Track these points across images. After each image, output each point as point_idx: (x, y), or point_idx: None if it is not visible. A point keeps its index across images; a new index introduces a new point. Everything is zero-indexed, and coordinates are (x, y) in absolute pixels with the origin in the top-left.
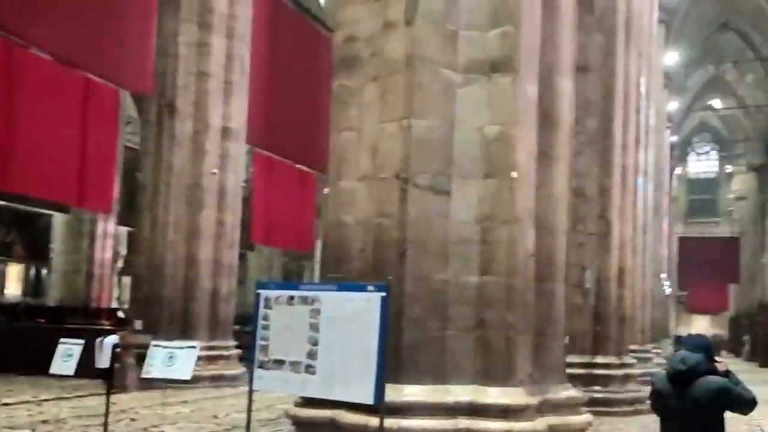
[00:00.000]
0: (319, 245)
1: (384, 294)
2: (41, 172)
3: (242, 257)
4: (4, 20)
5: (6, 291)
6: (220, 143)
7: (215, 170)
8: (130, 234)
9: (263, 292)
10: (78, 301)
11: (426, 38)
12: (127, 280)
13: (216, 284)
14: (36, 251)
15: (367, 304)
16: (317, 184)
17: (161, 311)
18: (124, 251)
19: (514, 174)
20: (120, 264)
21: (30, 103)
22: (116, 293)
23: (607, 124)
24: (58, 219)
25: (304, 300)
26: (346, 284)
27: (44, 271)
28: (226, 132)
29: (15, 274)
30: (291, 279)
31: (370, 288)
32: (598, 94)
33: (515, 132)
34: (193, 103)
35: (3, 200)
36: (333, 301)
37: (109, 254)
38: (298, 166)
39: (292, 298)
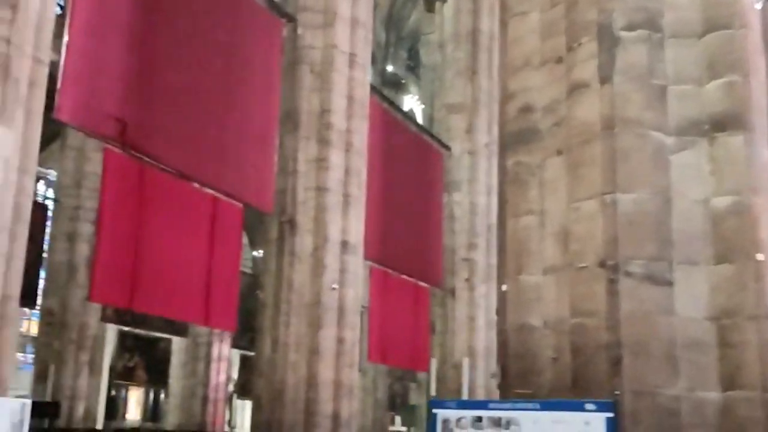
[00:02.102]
0: (434, 364)
1: (610, 414)
2: (169, 293)
3: None
4: (136, 142)
5: (127, 416)
6: (340, 257)
7: (335, 285)
8: (243, 357)
9: (440, 412)
10: (193, 425)
11: (627, 97)
12: (238, 403)
13: (337, 407)
14: (156, 375)
15: (586, 428)
16: (431, 299)
17: None
18: (235, 374)
19: (760, 256)
20: (231, 387)
21: (159, 223)
22: (228, 417)
23: None
24: (177, 343)
25: (496, 422)
26: (554, 402)
27: (162, 396)
28: (344, 246)
29: (135, 398)
30: (397, 402)
31: (589, 407)
32: None
33: (755, 203)
34: (312, 218)
35: (127, 326)
36: (537, 424)
37: (223, 377)
38: (412, 280)
39: (479, 419)
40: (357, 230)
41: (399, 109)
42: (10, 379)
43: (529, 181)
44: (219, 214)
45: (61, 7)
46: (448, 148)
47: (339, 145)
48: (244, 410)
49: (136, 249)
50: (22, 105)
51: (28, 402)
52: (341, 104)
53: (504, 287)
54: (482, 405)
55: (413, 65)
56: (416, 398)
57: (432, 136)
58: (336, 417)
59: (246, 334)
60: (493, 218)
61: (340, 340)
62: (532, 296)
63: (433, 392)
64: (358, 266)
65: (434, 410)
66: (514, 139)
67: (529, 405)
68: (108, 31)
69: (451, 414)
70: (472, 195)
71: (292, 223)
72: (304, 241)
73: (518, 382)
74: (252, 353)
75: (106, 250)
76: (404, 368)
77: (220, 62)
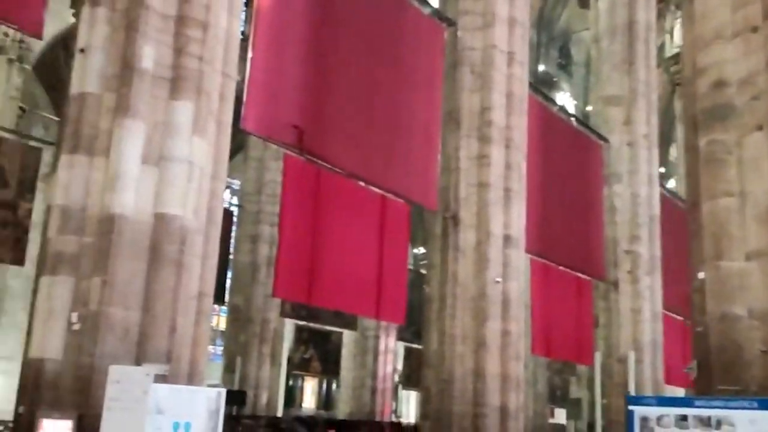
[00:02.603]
0: (598, 358)
1: None
2: (344, 288)
3: None
4: (312, 147)
5: (303, 404)
6: (502, 251)
7: (499, 279)
8: (407, 349)
9: (638, 409)
10: (363, 414)
11: None
12: (403, 393)
13: (504, 399)
14: (329, 366)
15: None
16: (593, 291)
17: (451, 427)
18: (400, 366)
19: None
20: (396, 378)
21: (333, 222)
22: (393, 407)
23: None
24: (347, 336)
25: (705, 421)
26: None
27: (334, 386)
28: (507, 240)
29: (310, 388)
30: (557, 395)
31: None
32: None
33: None
34: (474, 214)
35: (302, 320)
36: (755, 424)
37: (390, 369)
38: (574, 272)
39: (684, 418)
40: (518, 224)
41: (555, 104)
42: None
43: (726, 160)
44: (387, 213)
45: (242, 33)
46: (606, 140)
47: (499, 141)
48: (408, 400)
49: (313, 247)
50: (213, 117)
51: (223, 390)
52: (500, 102)
53: (701, 275)
54: (687, 402)
55: (564, 63)
56: (576, 392)
57: (590, 128)
58: (504, 409)
59: (409, 327)
60: (656, 209)
61: (505, 333)
62: (734, 284)
63: (597, 386)
64: (520, 259)
65: (631, 407)
66: (707, 116)
67: (745, 403)
68: (285, 47)
69: (651, 411)
70: (633, 186)
71: (455, 219)
72: (467, 236)
73: (722, 378)
74: (416, 345)
75: (286, 249)
76: (568, 361)
77: (387, 68)
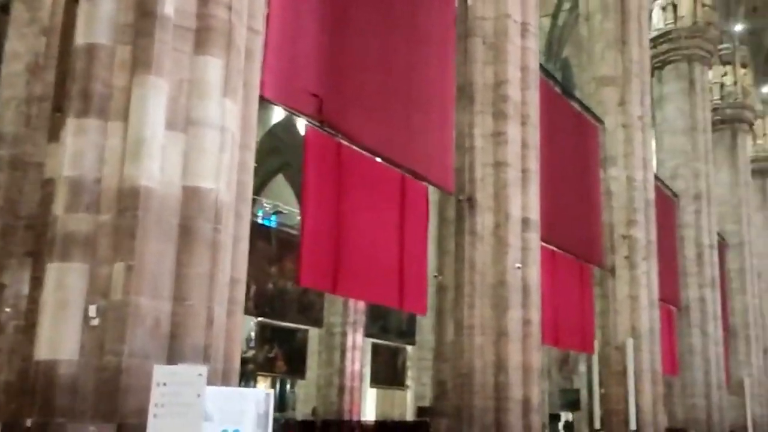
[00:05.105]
0: (596, 346)
1: None
2: (367, 276)
3: None
4: (332, 119)
5: None
6: (521, 235)
7: (519, 264)
8: (374, 345)
9: None
10: (330, 414)
11: None
12: (371, 392)
13: (527, 392)
14: (294, 366)
15: None
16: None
17: (472, 423)
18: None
19: None
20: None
21: (355, 204)
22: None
23: None
24: (313, 333)
25: None
26: None
27: (288, 386)
28: (525, 223)
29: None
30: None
31: None
32: None
33: None
34: (491, 196)
35: (266, 317)
36: None
37: (358, 366)
38: (577, 259)
39: None
40: (535, 207)
41: (557, 82)
42: None
43: None
44: (407, 194)
45: None
46: (602, 121)
47: (515, 117)
48: (365, 398)
49: (337, 232)
50: (242, 77)
51: (272, 392)
52: (515, 75)
53: None
54: None
55: None
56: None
57: (588, 109)
58: (526, 402)
59: (376, 323)
60: (651, 193)
61: (526, 322)
62: None
63: (595, 375)
64: (538, 244)
65: None
66: None
67: None
68: (302, 5)
69: None
70: (629, 170)
71: (471, 202)
72: (484, 220)
73: None
74: (383, 342)
75: (310, 232)
76: (574, 351)
77: (402, 37)
